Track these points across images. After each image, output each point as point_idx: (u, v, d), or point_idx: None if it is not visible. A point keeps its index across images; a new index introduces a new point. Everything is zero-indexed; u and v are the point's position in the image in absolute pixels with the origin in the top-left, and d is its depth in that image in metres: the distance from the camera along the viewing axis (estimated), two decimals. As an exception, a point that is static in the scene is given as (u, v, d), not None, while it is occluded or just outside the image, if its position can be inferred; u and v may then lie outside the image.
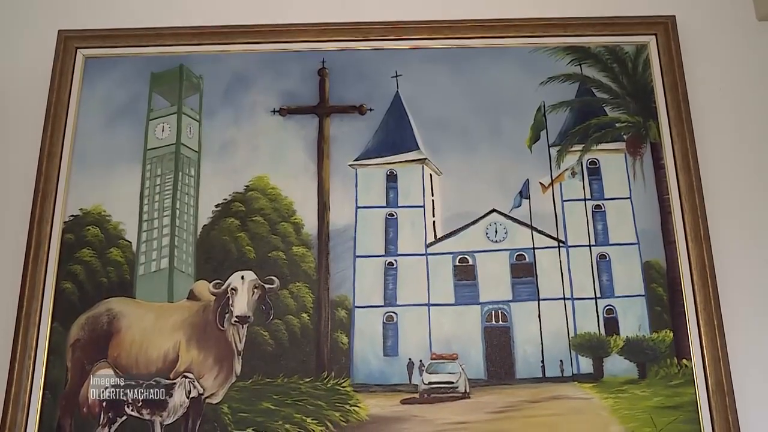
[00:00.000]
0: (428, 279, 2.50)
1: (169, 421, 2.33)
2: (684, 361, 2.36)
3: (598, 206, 2.57)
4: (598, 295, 2.47)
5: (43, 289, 2.43)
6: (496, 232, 2.54)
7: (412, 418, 2.34)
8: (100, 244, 2.52)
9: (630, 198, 2.56)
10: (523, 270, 2.51)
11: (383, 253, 2.54)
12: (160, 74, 2.72)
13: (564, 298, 2.46)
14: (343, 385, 2.38)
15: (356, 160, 2.62)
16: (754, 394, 2.34)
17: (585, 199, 2.58)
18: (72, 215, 2.54)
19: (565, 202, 2.57)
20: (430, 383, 2.39)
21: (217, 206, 2.57)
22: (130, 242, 2.53)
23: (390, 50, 2.71)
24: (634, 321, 2.43)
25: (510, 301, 2.47)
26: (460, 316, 2.46)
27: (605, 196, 2.58)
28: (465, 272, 2.52)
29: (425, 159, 2.62)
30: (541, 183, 2.58)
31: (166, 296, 2.48)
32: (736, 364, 2.33)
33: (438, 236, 2.55)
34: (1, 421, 2.29)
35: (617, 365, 2.39)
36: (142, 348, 2.41)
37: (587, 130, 2.64)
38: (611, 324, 2.44)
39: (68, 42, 2.71)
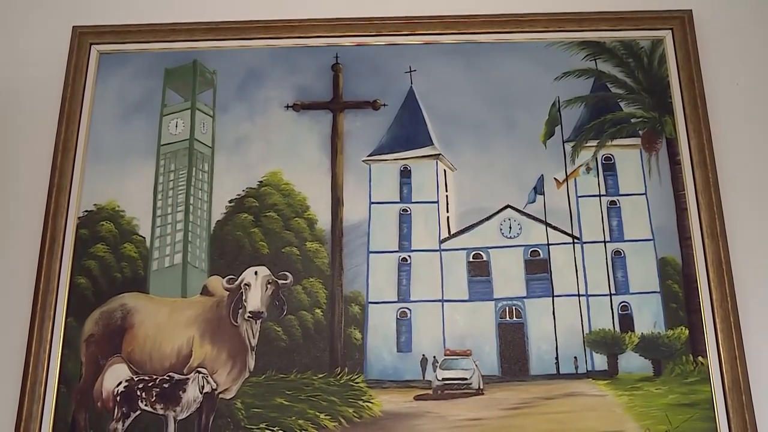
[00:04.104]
0: (442, 275, 2.49)
1: (183, 416, 2.34)
2: (700, 358, 2.34)
3: (613, 202, 2.55)
4: (613, 291, 2.46)
5: (57, 284, 2.44)
6: (510, 227, 2.53)
7: (425, 414, 2.34)
8: (114, 239, 2.53)
9: (645, 194, 2.54)
10: (537, 266, 2.50)
11: (397, 249, 2.54)
12: (173, 70, 2.72)
13: (578, 295, 2.45)
14: (357, 380, 2.38)
15: (370, 155, 2.61)
16: (771, 391, 2.33)
17: (600, 195, 2.56)
18: (86, 210, 2.55)
19: (579, 198, 2.55)
20: (443, 379, 2.39)
21: (230, 202, 2.57)
22: (144, 237, 2.54)
23: (404, 45, 2.70)
24: (649, 318, 2.42)
25: (524, 297, 2.46)
26: (473, 313, 2.45)
27: (620, 192, 2.56)
28: (479, 268, 2.51)
29: (439, 154, 2.61)
30: (555, 179, 2.57)
31: (180, 291, 2.49)
32: (753, 361, 2.31)
33: (452, 232, 2.54)
34: (17, 414, 2.30)
35: (632, 362, 2.37)
36: (155, 343, 2.41)
37: (602, 125, 2.62)
38: (626, 321, 2.42)
39: (82, 38, 2.72)
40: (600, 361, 2.39)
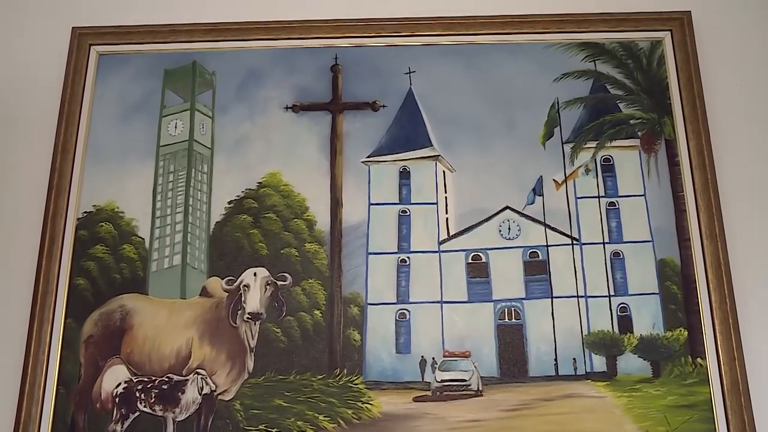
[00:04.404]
0: (441, 276, 2.49)
1: (182, 418, 2.34)
2: (698, 359, 2.34)
3: (612, 203, 2.55)
4: (612, 292, 2.46)
5: (56, 285, 2.44)
6: (509, 229, 2.53)
7: (424, 415, 2.34)
8: (113, 240, 2.53)
9: (644, 195, 2.54)
10: (536, 267, 2.50)
11: (396, 250, 2.54)
12: (173, 70, 2.72)
13: (577, 296, 2.45)
14: (356, 382, 2.38)
15: (369, 156, 2.61)
16: (770, 393, 2.33)
17: (599, 197, 2.56)
18: (85, 211, 2.55)
19: (578, 200, 2.55)
20: (442, 381, 2.39)
21: (229, 203, 2.57)
22: (143, 238, 2.54)
23: (403, 46, 2.70)
24: (648, 319, 2.42)
25: (523, 298, 2.46)
26: (473, 314, 2.45)
27: (619, 194, 2.56)
28: (478, 269, 2.51)
29: (438, 156, 2.61)
30: (554, 180, 2.57)
31: (179, 293, 2.49)
32: (752, 363, 2.31)
33: (451, 233, 2.54)
34: (16, 415, 2.30)
35: (631, 363, 2.37)
36: (154, 344, 2.41)
37: (601, 126, 2.62)
38: (625, 322, 2.42)
39: (82, 39, 2.72)
40: (599, 363, 2.39)
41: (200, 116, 2.68)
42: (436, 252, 2.53)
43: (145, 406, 2.34)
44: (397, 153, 2.63)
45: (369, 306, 2.47)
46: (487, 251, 2.52)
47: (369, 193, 2.58)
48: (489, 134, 2.61)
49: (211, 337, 2.41)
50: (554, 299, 2.45)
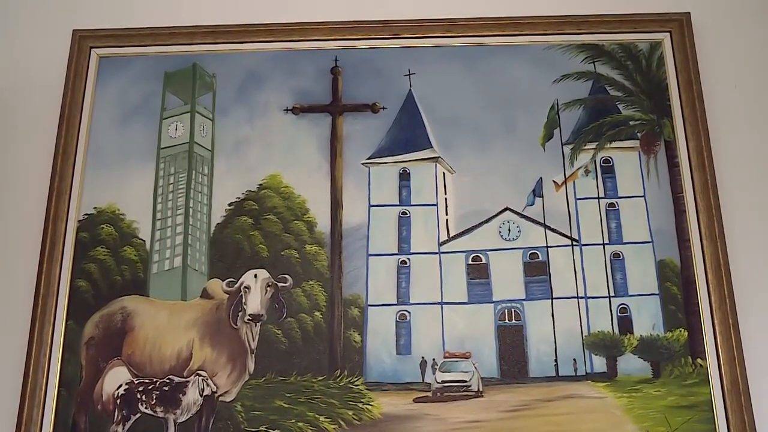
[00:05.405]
0: (441, 277, 2.50)
1: (183, 419, 2.34)
2: (699, 360, 2.35)
3: (611, 204, 2.56)
4: (612, 293, 2.46)
5: (57, 287, 2.44)
6: (509, 230, 2.53)
7: (424, 416, 2.34)
8: (114, 242, 2.53)
9: (644, 196, 2.54)
10: (536, 268, 2.50)
11: (396, 252, 2.54)
12: (173, 73, 2.73)
13: (577, 297, 2.45)
14: (356, 383, 2.38)
15: (369, 158, 2.62)
16: (770, 393, 2.33)
17: (598, 198, 2.57)
18: (86, 214, 2.55)
19: (578, 201, 2.56)
20: (443, 382, 2.39)
21: (230, 205, 2.58)
22: (144, 240, 2.54)
23: (403, 48, 2.71)
24: (648, 320, 2.42)
25: (523, 299, 2.47)
26: (473, 315, 2.45)
27: (619, 195, 2.57)
28: (478, 271, 2.51)
29: (438, 157, 2.62)
30: (554, 181, 2.57)
31: (180, 294, 2.49)
32: (752, 363, 2.31)
33: (451, 234, 2.55)
34: (18, 417, 2.31)
35: (631, 364, 2.38)
36: (155, 346, 2.42)
37: (601, 128, 2.63)
38: (625, 323, 2.43)
39: (82, 41, 2.72)
40: (599, 363, 2.39)
41: (200, 118, 2.68)
42: (436, 253, 2.53)
43: (146, 408, 2.35)
44: (397, 155, 2.64)
45: (369, 307, 2.47)
46: (487, 252, 2.52)
47: (369, 194, 2.59)
48: (489, 136, 2.61)
49: (211, 339, 2.42)
50: (554, 300, 2.45)
